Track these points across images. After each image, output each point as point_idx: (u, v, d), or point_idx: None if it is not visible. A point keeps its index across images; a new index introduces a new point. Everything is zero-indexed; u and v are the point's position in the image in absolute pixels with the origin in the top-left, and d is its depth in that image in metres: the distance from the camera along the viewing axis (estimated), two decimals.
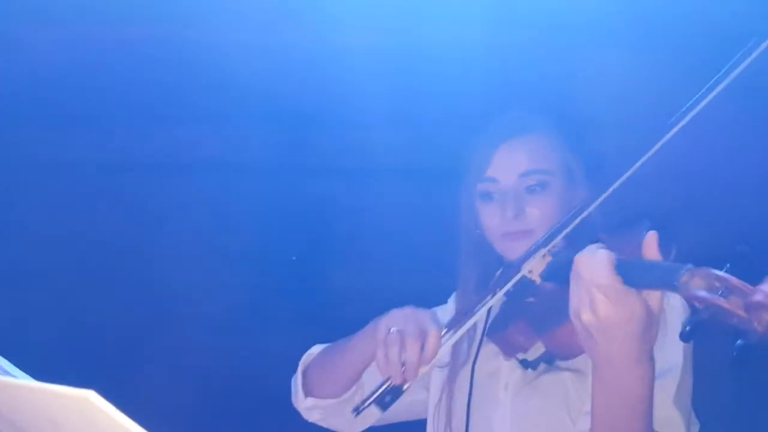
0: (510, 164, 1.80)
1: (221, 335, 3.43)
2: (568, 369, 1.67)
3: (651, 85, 2.48)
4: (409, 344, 1.66)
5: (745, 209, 2.68)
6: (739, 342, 1.12)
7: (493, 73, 2.50)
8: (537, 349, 1.64)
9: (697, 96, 1.47)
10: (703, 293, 1.16)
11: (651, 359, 1.34)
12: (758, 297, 1.11)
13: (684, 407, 1.59)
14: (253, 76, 2.74)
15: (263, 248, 3.50)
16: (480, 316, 1.71)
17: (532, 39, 2.55)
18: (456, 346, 1.82)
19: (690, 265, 1.20)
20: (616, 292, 1.28)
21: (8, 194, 3.25)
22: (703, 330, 1.16)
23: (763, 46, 1.41)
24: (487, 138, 1.83)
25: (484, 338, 1.81)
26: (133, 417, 0.82)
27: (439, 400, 1.87)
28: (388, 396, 1.69)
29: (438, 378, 1.91)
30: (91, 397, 0.80)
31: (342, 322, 1.98)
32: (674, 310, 1.54)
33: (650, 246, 1.32)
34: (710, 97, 1.44)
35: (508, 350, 1.69)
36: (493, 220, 1.81)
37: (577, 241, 1.53)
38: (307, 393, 1.98)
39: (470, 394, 1.80)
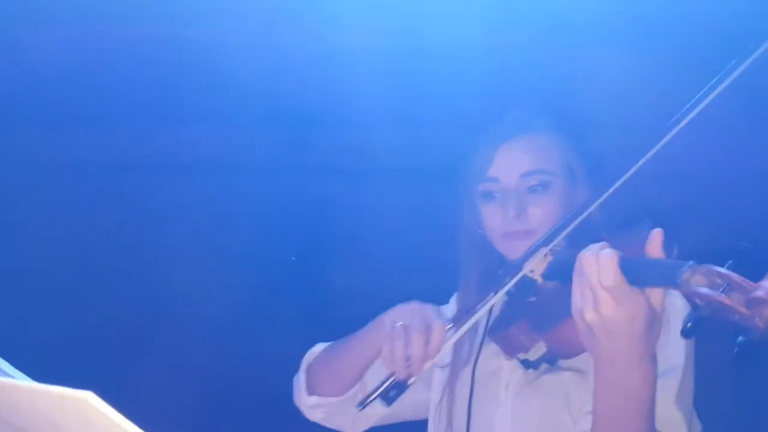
0: (512, 164, 1.79)
1: (221, 335, 3.43)
2: (569, 369, 1.67)
3: (651, 85, 2.48)
4: (414, 338, 1.66)
5: (746, 209, 2.68)
6: (740, 338, 1.11)
7: (493, 73, 2.50)
8: (538, 349, 1.64)
9: (698, 96, 1.46)
10: (704, 290, 1.16)
11: (653, 359, 1.33)
12: (760, 293, 1.11)
13: (686, 407, 1.59)
14: (253, 76, 2.74)
15: (263, 248, 3.50)
16: (481, 315, 1.71)
17: (532, 39, 2.54)
18: (457, 346, 1.82)
19: (692, 262, 1.20)
20: (621, 292, 1.28)
21: (8, 194, 3.25)
22: (704, 326, 1.16)
23: (764, 47, 1.41)
24: (489, 138, 1.83)
25: (486, 338, 1.81)
26: (132, 418, 0.82)
27: (440, 400, 1.87)
28: (393, 390, 1.70)
29: (439, 378, 1.91)
30: (89, 398, 0.79)
31: (342, 322, 1.98)
32: (677, 310, 1.54)
33: (654, 243, 1.31)
34: (711, 97, 1.44)
35: (510, 350, 1.69)
36: (494, 219, 1.81)
37: (579, 241, 1.53)
38: (311, 391, 1.98)
39: (471, 395, 1.80)
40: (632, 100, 2.39)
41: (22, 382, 1.01)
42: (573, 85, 2.42)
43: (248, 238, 3.48)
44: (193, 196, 3.37)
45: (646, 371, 1.32)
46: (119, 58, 2.75)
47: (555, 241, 1.63)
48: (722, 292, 1.14)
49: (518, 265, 1.67)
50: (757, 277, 1.14)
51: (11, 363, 1.09)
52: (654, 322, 1.31)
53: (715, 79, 1.45)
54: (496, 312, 1.78)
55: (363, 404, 1.75)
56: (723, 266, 1.17)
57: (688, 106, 1.48)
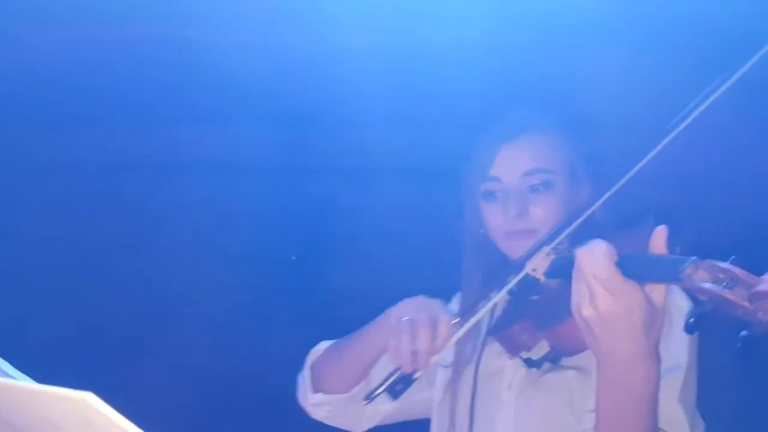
0: (513, 163, 1.79)
1: (221, 335, 3.43)
2: (571, 367, 1.67)
3: (651, 85, 2.48)
4: (421, 333, 1.66)
5: (747, 208, 2.68)
6: (743, 333, 1.11)
7: (493, 73, 2.50)
8: (541, 348, 1.64)
9: (700, 96, 1.46)
10: (707, 285, 1.15)
11: (656, 357, 1.32)
12: (763, 287, 1.10)
13: (689, 405, 1.58)
14: (253, 76, 2.74)
15: (263, 248, 3.50)
16: (484, 314, 1.71)
17: (532, 39, 2.54)
18: (460, 346, 1.82)
19: (694, 258, 1.19)
20: (615, 284, 1.27)
21: (8, 194, 3.25)
22: (707, 322, 1.15)
23: (765, 48, 1.41)
24: (490, 137, 1.83)
25: (488, 337, 1.81)
26: (132, 419, 0.81)
27: (443, 399, 1.87)
28: (400, 384, 1.70)
29: (442, 377, 1.91)
30: (89, 398, 0.79)
31: (342, 322, 1.98)
32: (679, 309, 1.53)
33: (658, 240, 1.30)
34: (713, 98, 1.44)
35: (512, 349, 1.69)
36: (496, 219, 1.81)
37: (581, 239, 1.53)
38: (316, 388, 1.97)
39: (474, 394, 1.80)
40: (633, 100, 2.39)
41: (22, 382, 1.01)
42: (573, 85, 2.42)
43: (248, 238, 3.49)
44: (193, 196, 3.37)
45: (648, 369, 1.31)
46: (119, 58, 2.75)
47: (557, 240, 1.63)
48: (725, 287, 1.13)
49: (521, 264, 1.67)
50: (760, 273, 1.14)
51: (11, 363, 1.09)
52: (654, 318, 1.30)
53: (718, 80, 1.45)
54: (498, 311, 1.78)
55: (370, 397, 1.75)
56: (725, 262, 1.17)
57: (690, 106, 1.47)
